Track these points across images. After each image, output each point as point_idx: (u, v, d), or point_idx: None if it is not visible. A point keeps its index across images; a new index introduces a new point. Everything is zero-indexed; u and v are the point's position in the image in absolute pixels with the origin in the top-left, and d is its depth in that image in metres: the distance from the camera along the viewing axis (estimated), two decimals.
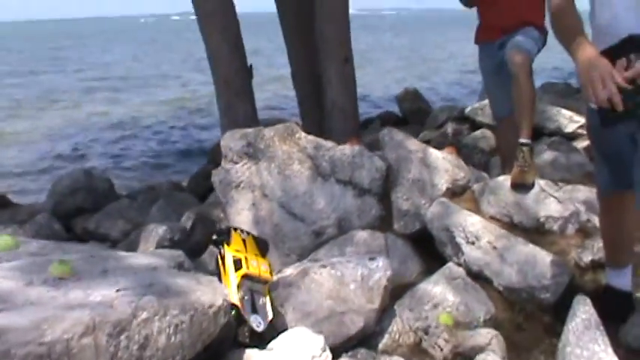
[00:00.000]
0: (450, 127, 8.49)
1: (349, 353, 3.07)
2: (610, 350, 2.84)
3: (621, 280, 3.46)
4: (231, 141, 4.55)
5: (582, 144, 5.73)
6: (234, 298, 2.84)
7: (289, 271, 3.40)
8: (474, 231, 3.85)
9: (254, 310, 2.94)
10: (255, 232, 3.79)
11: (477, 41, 4.83)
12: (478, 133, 7.26)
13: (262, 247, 3.37)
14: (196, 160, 10.69)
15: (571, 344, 2.90)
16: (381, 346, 3.26)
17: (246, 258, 3.04)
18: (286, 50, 6.62)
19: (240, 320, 2.83)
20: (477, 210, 4.23)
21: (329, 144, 4.56)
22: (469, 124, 8.08)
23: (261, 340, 2.88)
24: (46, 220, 6.04)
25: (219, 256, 3.05)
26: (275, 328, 3.03)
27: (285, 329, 3.03)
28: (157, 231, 4.73)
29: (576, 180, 4.84)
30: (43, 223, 5.94)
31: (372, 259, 3.34)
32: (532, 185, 4.12)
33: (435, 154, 4.49)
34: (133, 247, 4.63)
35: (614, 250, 3.44)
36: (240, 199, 4.46)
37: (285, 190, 4.39)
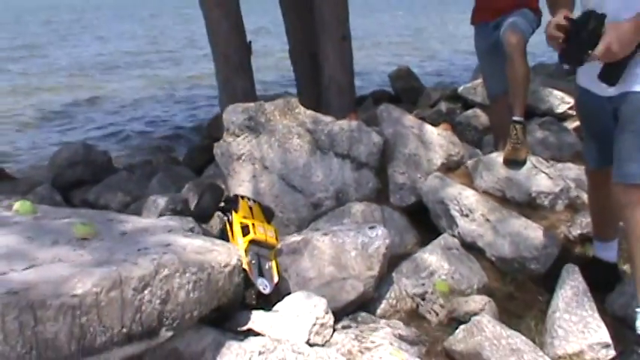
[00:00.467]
0: (443, 106, 8.63)
1: (349, 317, 3.24)
2: (597, 315, 3.02)
3: (608, 252, 3.61)
4: (233, 115, 4.67)
5: (573, 124, 5.88)
6: (243, 262, 2.98)
7: (292, 238, 3.54)
8: (468, 204, 4.00)
9: (260, 273, 3.08)
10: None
11: (472, 22, 4.96)
12: (470, 112, 7.38)
13: (268, 214, 3.51)
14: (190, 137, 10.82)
15: (560, 310, 3.08)
16: (379, 311, 3.42)
17: (253, 224, 3.18)
18: (284, 28, 6.72)
19: (247, 283, 2.97)
20: (470, 185, 4.38)
21: (328, 119, 4.69)
22: (462, 103, 8.22)
23: (267, 302, 3.03)
24: (48, 192, 6.14)
25: (227, 223, 3.18)
26: (279, 292, 3.18)
27: (289, 293, 3.17)
28: (159, 202, 4.85)
29: (566, 159, 5.01)
30: (44, 195, 6.03)
31: (371, 227, 3.48)
32: (524, 162, 4.26)
33: (430, 130, 4.64)
34: None
35: (601, 224, 3.59)
36: (242, 171, 4.59)
37: (285, 162, 4.52)
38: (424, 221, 4.29)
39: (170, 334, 2.25)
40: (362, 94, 11.58)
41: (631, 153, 2.83)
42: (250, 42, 6.25)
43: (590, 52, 2.65)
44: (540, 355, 2.76)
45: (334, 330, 3.07)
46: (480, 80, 6.67)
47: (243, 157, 4.61)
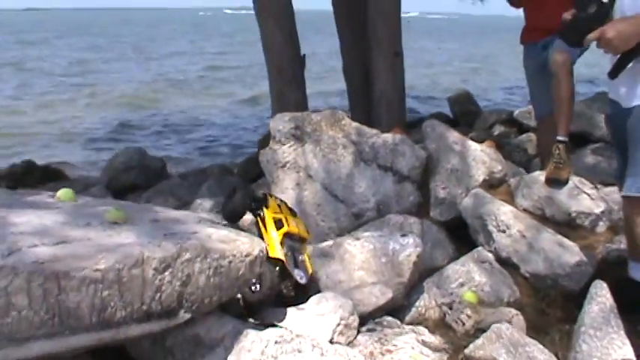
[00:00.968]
0: (497, 130, 8.63)
1: (375, 320, 3.28)
2: (622, 332, 2.97)
3: None
4: (280, 123, 4.79)
5: None
6: (279, 253, 3.07)
7: (325, 243, 3.62)
8: (505, 220, 4.00)
9: (295, 265, 3.16)
10: (298, 211, 4.02)
11: (522, 42, 4.98)
12: (525, 136, 7.38)
13: (293, 212, 3.60)
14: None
15: (585, 325, 3.05)
16: (407, 318, 3.45)
17: (285, 218, 3.28)
18: (339, 45, 6.83)
19: (284, 274, 3.06)
20: (511, 202, 4.38)
21: (373, 131, 4.76)
22: (517, 127, 8.21)
23: (304, 293, 3.11)
24: (101, 193, 6.39)
25: (258, 219, 3.28)
26: (306, 293, 3.25)
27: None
28: (204, 205, 5.00)
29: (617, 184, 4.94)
30: (97, 195, 6.24)
31: (403, 235, 3.53)
32: (566, 181, 4.23)
33: (474, 146, 4.65)
34: None
35: (635, 243, 3.55)
36: (286, 179, 4.69)
37: (329, 172, 4.61)
38: (463, 236, 4.31)
39: (188, 316, 2.34)
40: (422, 117, 11.64)
41: (636, 166, 2.84)
42: (304, 55, 6.38)
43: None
44: None
45: (359, 332, 3.13)
46: None
47: (287, 165, 4.71)
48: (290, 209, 3.59)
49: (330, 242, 3.59)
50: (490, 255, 3.89)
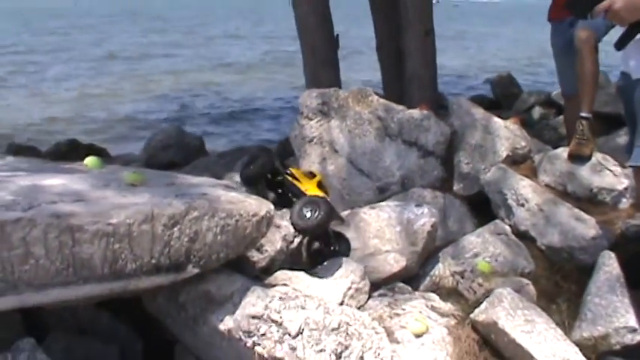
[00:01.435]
0: (536, 112, 8.59)
1: (387, 286, 3.38)
2: (627, 301, 3.05)
3: None
4: (308, 99, 4.90)
5: None
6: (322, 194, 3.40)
7: (342, 213, 3.73)
8: (524, 194, 4.05)
9: None
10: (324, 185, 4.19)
11: (549, 19, 4.99)
12: (561, 117, 7.32)
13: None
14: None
15: (591, 294, 3.13)
16: (422, 287, 3.56)
17: (310, 172, 3.52)
18: (373, 24, 6.88)
19: (331, 210, 3.25)
20: (534, 178, 4.42)
21: (399, 107, 4.84)
22: (556, 108, 8.15)
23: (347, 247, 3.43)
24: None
25: (289, 176, 3.49)
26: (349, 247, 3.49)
27: None
28: (235, 179, 5.13)
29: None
30: None
31: (418, 205, 3.63)
32: (589, 157, 4.26)
33: (498, 122, 4.70)
34: None
35: None
36: (312, 153, 4.81)
37: (354, 147, 4.71)
38: (485, 211, 4.37)
39: (197, 270, 2.49)
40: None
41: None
42: (337, 35, 6.45)
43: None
44: (552, 326, 2.82)
45: (370, 297, 3.24)
46: None
47: (314, 140, 4.83)
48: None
49: (346, 211, 3.70)
50: (507, 227, 3.95)
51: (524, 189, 4.08)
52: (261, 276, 3.13)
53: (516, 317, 2.76)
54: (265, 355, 2.43)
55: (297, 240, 3.42)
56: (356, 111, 4.80)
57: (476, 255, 3.66)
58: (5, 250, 2.08)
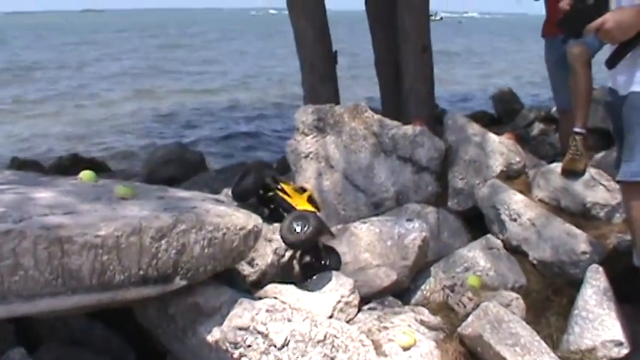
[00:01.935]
0: (536, 127, 8.63)
1: (378, 300, 3.42)
2: (613, 314, 3.07)
3: None
4: (304, 115, 4.95)
5: None
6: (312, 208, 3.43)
7: (333, 227, 3.77)
8: (517, 208, 4.08)
9: None
10: (319, 200, 4.21)
11: (543, 35, 5.04)
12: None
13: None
14: None
15: (579, 308, 3.15)
16: (412, 301, 3.59)
17: (302, 187, 3.54)
18: (371, 40, 6.94)
19: (321, 225, 3.30)
20: (528, 193, 4.45)
21: (394, 123, 4.88)
22: (555, 124, 8.18)
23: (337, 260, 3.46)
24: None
25: (279, 191, 3.52)
26: (339, 261, 3.53)
27: None
28: (229, 194, 5.17)
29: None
30: None
31: (409, 220, 3.66)
32: (582, 172, 4.29)
33: (492, 138, 4.74)
34: None
35: (632, 228, 3.59)
36: (308, 169, 4.85)
37: (350, 162, 4.75)
38: (480, 226, 4.39)
39: (184, 282, 2.54)
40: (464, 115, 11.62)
41: (630, 151, 2.90)
42: (336, 51, 6.51)
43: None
44: (537, 339, 2.85)
45: (359, 310, 3.28)
46: None
47: (310, 155, 4.87)
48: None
49: (338, 226, 3.74)
50: (499, 242, 3.98)
51: (517, 204, 4.11)
52: (252, 289, 3.18)
53: (501, 331, 2.79)
54: None
55: (288, 254, 3.47)
56: (351, 127, 4.85)
57: (466, 269, 3.69)
58: None
